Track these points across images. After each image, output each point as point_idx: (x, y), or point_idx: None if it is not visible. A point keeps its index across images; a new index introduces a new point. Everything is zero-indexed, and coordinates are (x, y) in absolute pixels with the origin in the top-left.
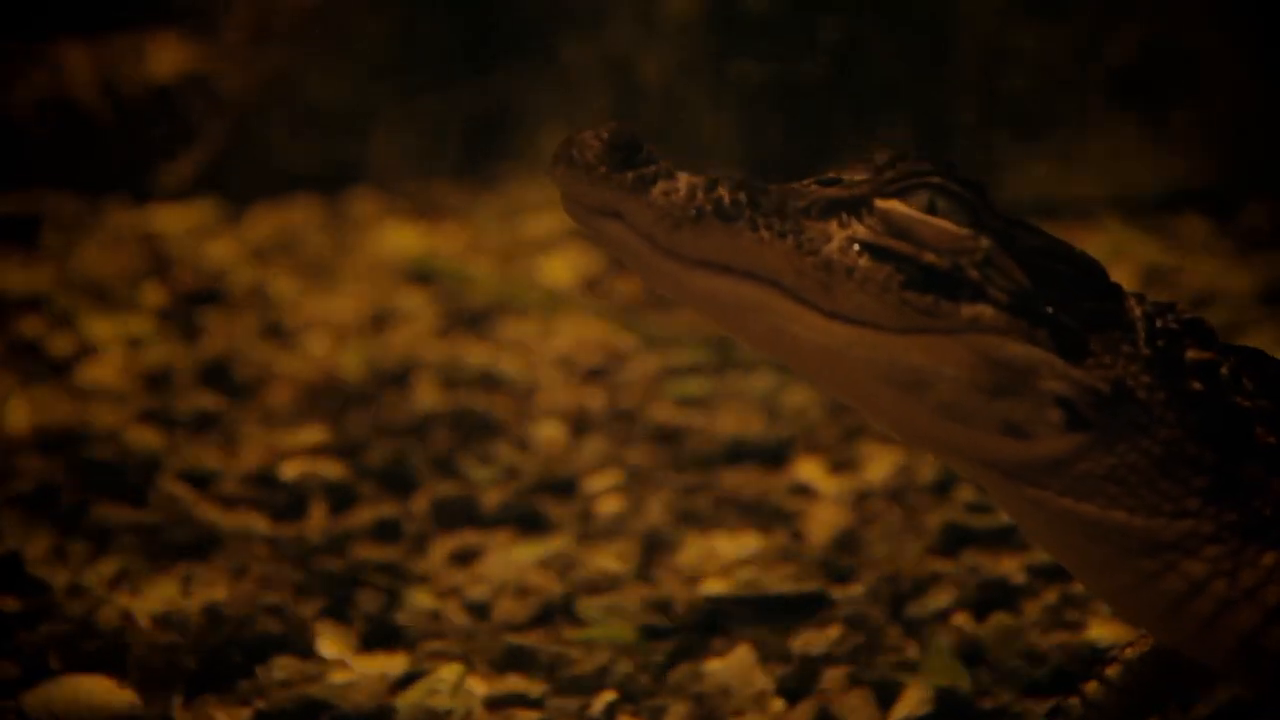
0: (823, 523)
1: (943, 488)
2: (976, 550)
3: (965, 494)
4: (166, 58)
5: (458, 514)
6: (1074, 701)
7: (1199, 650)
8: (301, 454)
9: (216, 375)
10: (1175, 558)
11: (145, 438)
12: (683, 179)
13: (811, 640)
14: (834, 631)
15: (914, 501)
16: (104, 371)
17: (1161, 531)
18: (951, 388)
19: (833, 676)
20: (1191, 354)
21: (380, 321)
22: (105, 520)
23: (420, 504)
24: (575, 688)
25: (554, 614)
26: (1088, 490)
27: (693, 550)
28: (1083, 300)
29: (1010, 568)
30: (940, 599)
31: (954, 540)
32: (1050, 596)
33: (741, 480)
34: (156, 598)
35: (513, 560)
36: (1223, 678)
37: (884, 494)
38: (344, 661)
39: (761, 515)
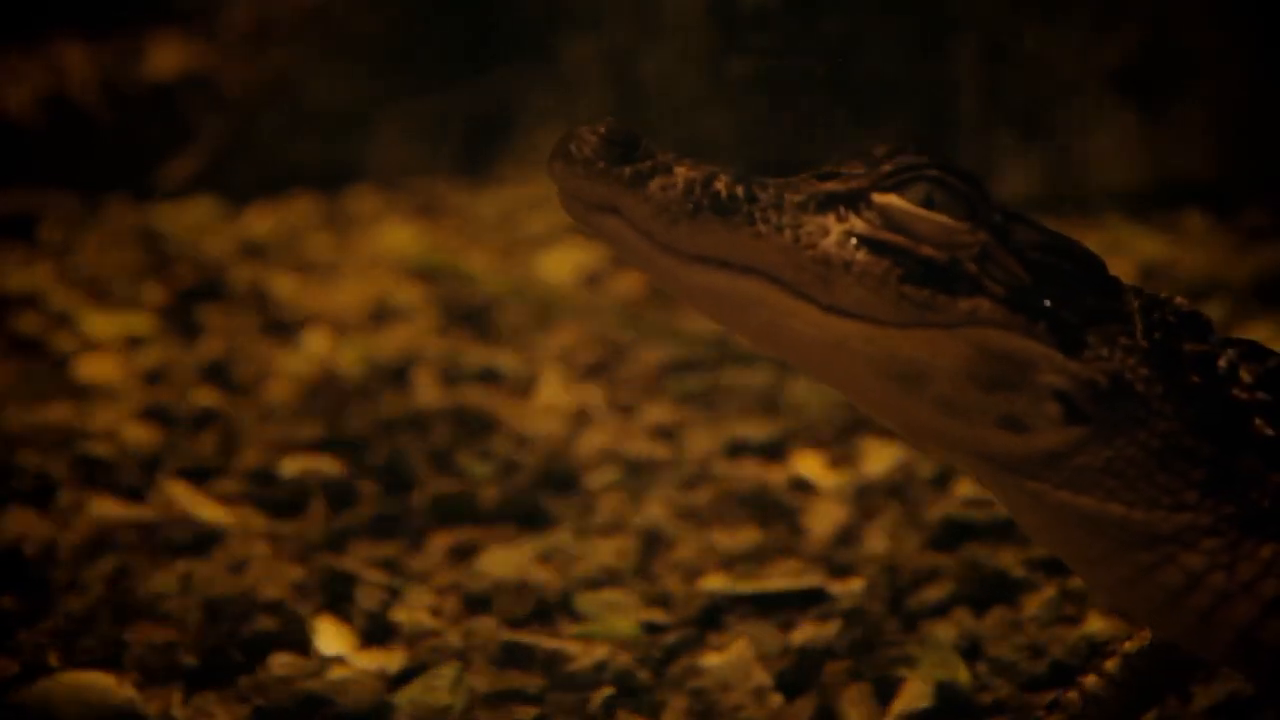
0: (822, 517)
1: (942, 482)
2: (976, 544)
3: (964, 488)
4: (166, 57)
5: (457, 510)
6: (1073, 695)
7: (1197, 643)
8: (301, 451)
9: (216, 372)
10: (1173, 550)
11: (144, 435)
12: (680, 174)
13: (811, 635)
14: (833, 626)
15: (913, 496)
16: (103, 369)
17: (1159, 524)
18: (949, 381)
19: (832, 671)
20: (1189, 347)
21: (380, 318)
22: (104, 517)
23: (419, 500)
24: (574, 683)
25: (553, 610)
26: (1086, 483)
27: (692, 545)
28: (1081, 294)
29: (1009, 562)
30: (939, 593)
31: (953, 534)
32: (1049, 591)
33: (741, 475)
34: (156, 595)
35: (511, 556)
36: (1221, 671)
37: (883, 488)
38: (343, 658)
39: (761, 510)
